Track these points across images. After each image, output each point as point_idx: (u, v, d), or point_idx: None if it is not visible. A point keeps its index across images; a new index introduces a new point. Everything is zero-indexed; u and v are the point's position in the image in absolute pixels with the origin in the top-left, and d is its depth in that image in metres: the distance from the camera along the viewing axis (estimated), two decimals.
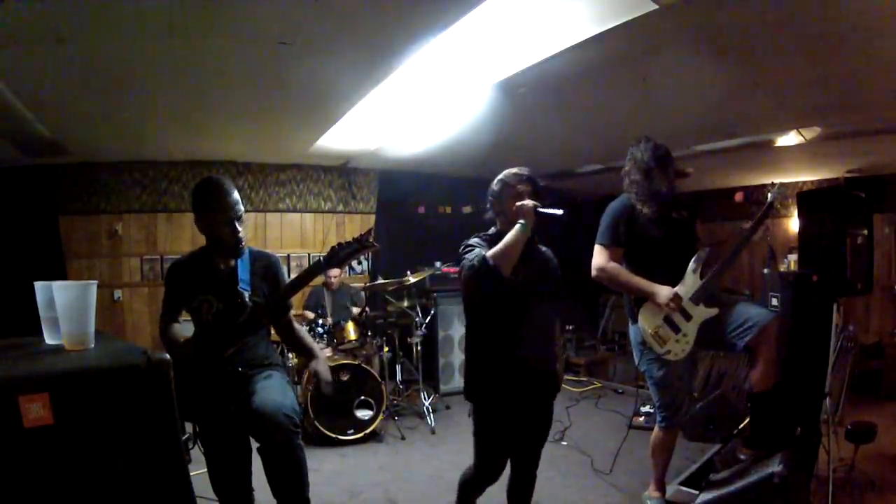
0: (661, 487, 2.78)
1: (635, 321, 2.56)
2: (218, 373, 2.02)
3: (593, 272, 2.54)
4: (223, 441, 2.06)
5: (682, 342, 2.45)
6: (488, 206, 2.20)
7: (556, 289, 2.17)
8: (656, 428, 2.72)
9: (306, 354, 2.29)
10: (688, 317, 2.44)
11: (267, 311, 2.04)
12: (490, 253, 1.94)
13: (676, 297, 2.39)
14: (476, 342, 2.14)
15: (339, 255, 1.96)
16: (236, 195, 2.06)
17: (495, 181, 2.17)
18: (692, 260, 2.47)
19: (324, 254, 2.02)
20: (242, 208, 2.08)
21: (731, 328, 2.42)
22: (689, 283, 2.45)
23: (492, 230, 2.18)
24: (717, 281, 2.47)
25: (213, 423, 2.06)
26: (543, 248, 2.23)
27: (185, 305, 2.14)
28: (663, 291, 2.40)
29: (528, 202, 2.00)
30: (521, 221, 1.97)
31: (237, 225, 2.03)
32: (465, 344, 2.29)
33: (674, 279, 2.45)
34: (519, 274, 1.99)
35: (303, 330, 2.33)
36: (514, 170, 2.15)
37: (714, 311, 2.43)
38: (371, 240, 1.96)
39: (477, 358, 2.14)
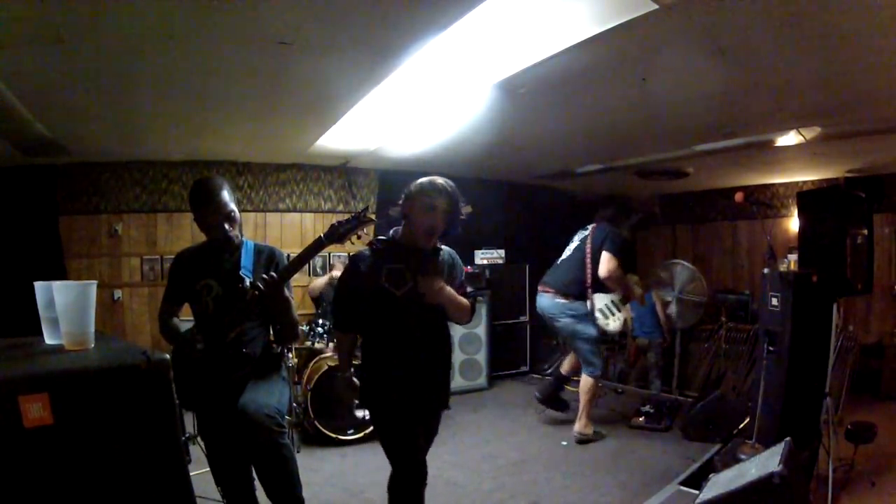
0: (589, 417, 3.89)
1: (584, 299, 3.91)
2: (220, 357, 2.02)
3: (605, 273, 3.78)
4: (222, 433, 2.06)
5: (616, 322, 3.93)
6: (399, 203, 2.04)
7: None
8: (588, 377, 3.80)
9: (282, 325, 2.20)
10: (619, 309, 3.98)
11: (268, 288, 2.00)
12: None
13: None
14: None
15: (339, 231, 1.94)
16: (226, 195, 2.10)
17: (413, 184, 2.03)
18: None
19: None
20: (234, 207, 2.12)
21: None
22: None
23: (391, 232, 2.08)
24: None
25: (212, 415, 2.07)
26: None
27: (186, 293, 2.16)
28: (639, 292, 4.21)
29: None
30: None
31: (225, 224, 2.07)
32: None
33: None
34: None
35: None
36: (437, 179, 2.02)
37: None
38: (368, 215, 1.95)
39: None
